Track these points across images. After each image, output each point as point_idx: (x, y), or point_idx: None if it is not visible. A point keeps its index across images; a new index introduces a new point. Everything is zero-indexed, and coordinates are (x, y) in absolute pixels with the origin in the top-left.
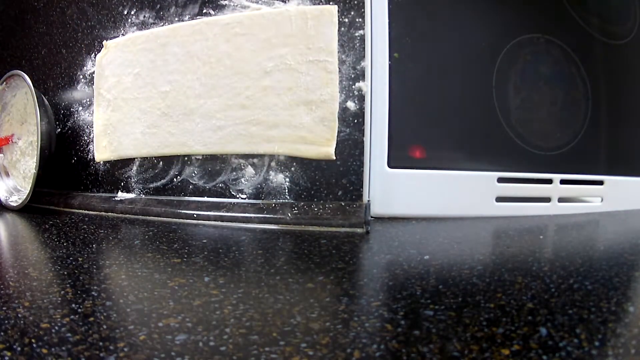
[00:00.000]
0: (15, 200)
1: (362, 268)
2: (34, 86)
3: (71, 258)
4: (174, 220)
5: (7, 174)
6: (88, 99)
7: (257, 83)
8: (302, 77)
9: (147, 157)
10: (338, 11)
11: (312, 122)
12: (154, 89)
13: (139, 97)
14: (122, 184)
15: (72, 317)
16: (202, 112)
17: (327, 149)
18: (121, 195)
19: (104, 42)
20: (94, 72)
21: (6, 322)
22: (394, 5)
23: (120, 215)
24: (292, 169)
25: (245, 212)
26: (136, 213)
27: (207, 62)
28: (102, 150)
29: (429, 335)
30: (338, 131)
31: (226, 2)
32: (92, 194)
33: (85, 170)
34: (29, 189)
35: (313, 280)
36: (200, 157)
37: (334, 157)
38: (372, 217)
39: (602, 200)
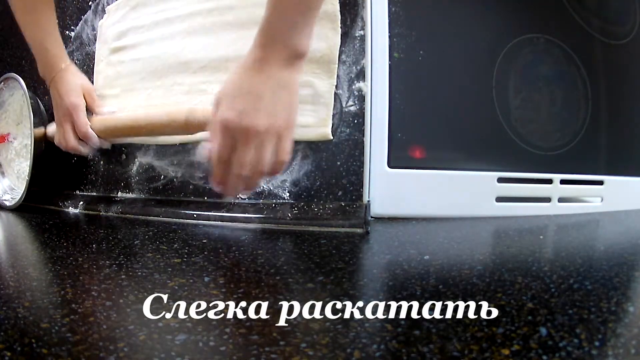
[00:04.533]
0: (9, 199)
1: (362, 268)
2: (34, 85)
3: (71, 258)
4: (174, 220)
5: (3, 173)
6: None
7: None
8: None
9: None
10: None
11: (308, 102)
12: (155, 48)
13: (140, 58)
14: (122, 184)
15: (72, 317)
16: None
17: (323, 130)
18: (121, 195)
19: (106, 8)
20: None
21: (6, 322)
22: (394, 5)
23: (120, 215)
24: (292, 169)
25: (245, 212)
26: (136, 213)
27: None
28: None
29: (429, 335)
30: (338, 131)
31: None
32: (92, 194)
33: (85, 170)
34: (23, 189)
35: (313, 280)
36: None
37: (331, 137)
38: (372, 217)
39: (602, 200)
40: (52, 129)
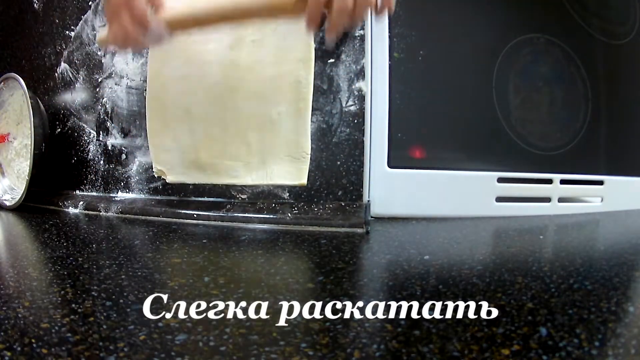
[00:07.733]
0: (9, 199)
1: (362, 268)
2: (34, 86)
3: (71, 258)
4: (174, 220)
5: (3, 173)
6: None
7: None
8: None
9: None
10: None
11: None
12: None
13: None
14: (122, 184)
15: (72, 317)
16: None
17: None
18: (121, 195)
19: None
20: None
21: (6, 322)
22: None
23: (120, 215)
24: None
25: (245, 212)
26: (136, 213)
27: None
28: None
29: (429, 335)
30: (338, 131)
31: None
32: (92, 194)
33: (85, 170)
34: (22, 189)
35: (313, 280)
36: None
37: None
38: (372, 217)
39: (602, 200)
40: (103, 32)
